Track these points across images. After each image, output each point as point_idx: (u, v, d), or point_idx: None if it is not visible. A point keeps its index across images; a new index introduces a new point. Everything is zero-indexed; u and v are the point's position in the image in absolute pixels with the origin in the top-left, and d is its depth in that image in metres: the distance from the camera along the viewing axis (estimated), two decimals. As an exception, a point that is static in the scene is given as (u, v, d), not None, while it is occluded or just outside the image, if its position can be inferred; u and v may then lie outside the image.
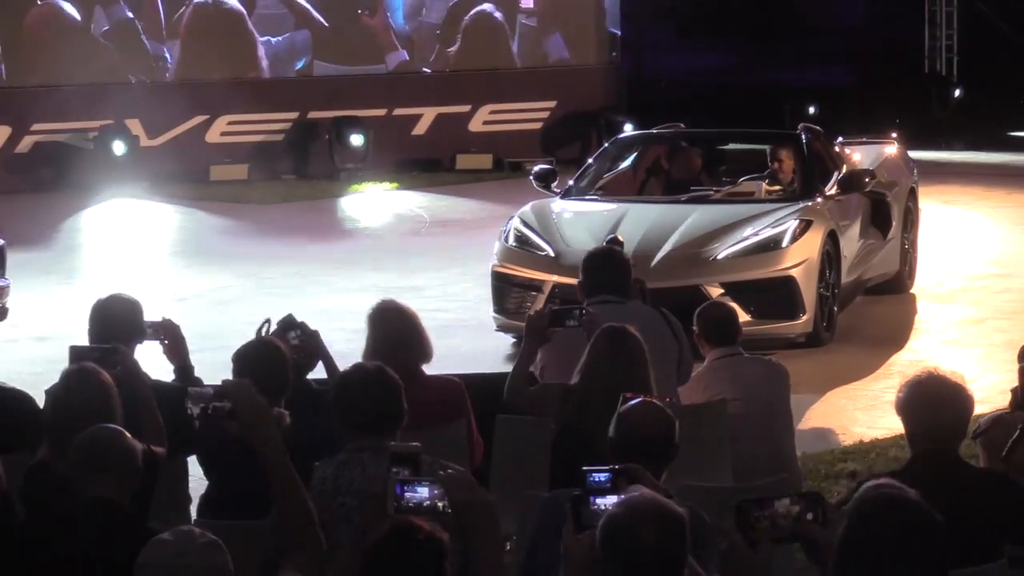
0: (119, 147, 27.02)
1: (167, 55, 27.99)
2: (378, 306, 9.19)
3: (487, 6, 29.31)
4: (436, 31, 29.32)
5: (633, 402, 7.05)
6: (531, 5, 29.52)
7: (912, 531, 4.41)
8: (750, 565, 4.68)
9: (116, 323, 8.94)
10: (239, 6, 28.07)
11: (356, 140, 27.88)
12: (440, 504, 5.33)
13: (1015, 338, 11.11)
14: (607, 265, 10.70)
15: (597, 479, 5.81)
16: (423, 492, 5.45)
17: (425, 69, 29.22)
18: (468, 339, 14.79)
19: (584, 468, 5.95)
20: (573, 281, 11.59)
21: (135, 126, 27.27)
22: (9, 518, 6.98)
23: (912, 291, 18.06)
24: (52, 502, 6.88)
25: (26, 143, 27.16)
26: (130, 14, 27.59)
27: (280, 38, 28.42)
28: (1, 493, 7.12)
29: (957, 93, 31.39)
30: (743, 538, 4.69)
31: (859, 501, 4.49)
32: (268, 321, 9.18)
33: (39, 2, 27.20)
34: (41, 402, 8.87)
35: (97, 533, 6.29)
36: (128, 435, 6.88)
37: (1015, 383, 8.41)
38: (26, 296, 15.94)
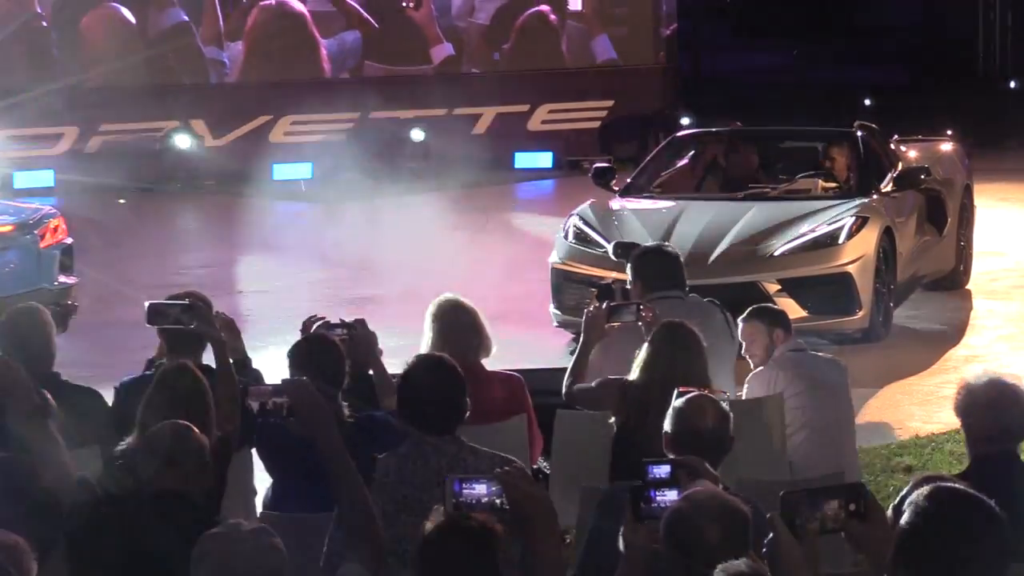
0: (184, 147, 27.17)
1: (224, 58, 28.05)
2: (439, 302, 9.23)
3: (541, 7, 29.33)
4: (485, 31, 29.31)
5: (688, 396, 7.07)
6: (579, 7, 29.52)
7: (974, 525, 4.41)
8: (797, 556, 4.69)
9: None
10: (302, 8, 28.15)
11: (417, 139, 27.97)
12: (498, 500, 5.35)
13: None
14: (662, 261, 10.72)
15: (657, 472, 5.84)
16: (480, 489, 5.47)
17: (474, 69, 29.18)
18: (527, 335, 14.81)
19: (644, 461, 5.99)
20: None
21: (200, 126, 27.40)
22: (86, 509, 7.05)
23: (967, 287, 17.99)
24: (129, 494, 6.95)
25: (94, 143, 27.27)
26: (185, 17, 27.69)
27: (331, 39, 28.47)
28: (73, 486, 7.21)
29: (1012, 84, 31.37)
30: (792, 530, 4.70)
31: (919, 496, 4.48)
32: (314, 317, 9.24)
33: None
34: (107, 397, 9.01)
35: (167, 524, 6.34)
36: (197, 430, 6.94)
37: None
38: (94, 292, 16.06)
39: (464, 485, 5.46)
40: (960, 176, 18.24)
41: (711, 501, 5.52)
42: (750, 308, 10.45)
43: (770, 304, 10.96)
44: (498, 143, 28.86)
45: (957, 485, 4.76)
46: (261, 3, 27.99)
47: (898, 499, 4.61)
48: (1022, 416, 7.08)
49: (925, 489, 4.54)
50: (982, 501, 4.47)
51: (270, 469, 8.55)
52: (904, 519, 4.46)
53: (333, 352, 8.52)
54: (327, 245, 23.27)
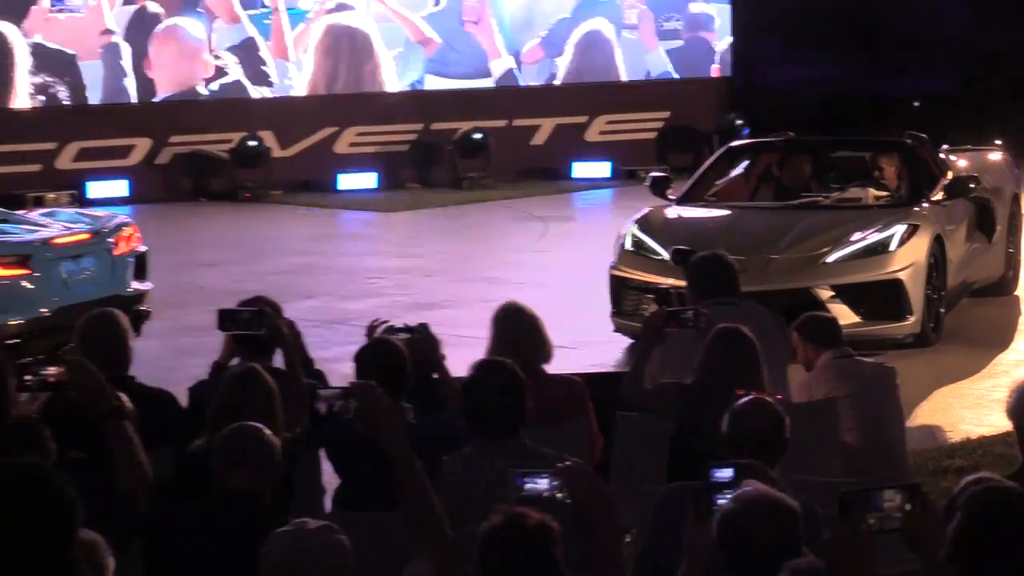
0: (252, 158, 27.27)
1: (293, 71, 28.13)
2: (502, 307, 9.24)
3: (598, 21, 29.36)
4: (544, 45, 29.34)
5: (745, 399, 7.08)
6: (638, 22, 29.54)
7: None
8: (856, 554, 4.68)
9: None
10: (367, 25, 28.22)
11: (479, 151, 28.02)
12: (559, 495, 5.36)
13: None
14: (718, 268, 10.72)
15: (720, 475, 5.86)
16: (543, 484, 5.49)
17: (532, 82, 29.21)
18: (587, 340, 14.82)
19: (708, 464, 6.00)
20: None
21: (268, 138, 27.49)
22: (161, 508, 7.10)
23: (1017, 293, 17.94)
24: (199, 493, 6.99)
25: (165, 154, 27.40)
26: (251, 37, 27.78)
27: (395, 53, 28.54)
28: (148, 485, 7.25)
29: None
30: (848, 531, 4.70)
31: (971, 496, 4.48)
32: (378, 321, 9.27)
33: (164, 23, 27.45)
34: (181, 398, 9.07)
35: (238, 523, 6.37)
36: (268, 430, 6.98)
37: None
38: (166, 298, 16.13)
39: (527, 480, 5.48)
40: (1009, 185, 18.17)
41: (760, 499, 5.56)
42: (800, 318, 10.48)
43: (816, 314, 10.90)
44: (556, 153, 28.92)
45: (1009, 484, 4.76)
46: (327, 18, 28.07)
47: (949, 500, 4.60)
48: None
49: (977, 489, 4.55)
50: None
51: (338, 469, 8.58)
52: (956, 519, 4.46)
53: (396, 355, 8.54)
54: (391, 252, 23.37)
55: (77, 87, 26.97)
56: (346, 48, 28.29)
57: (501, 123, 28.50)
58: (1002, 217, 17.45)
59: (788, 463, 6.84)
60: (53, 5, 26.74)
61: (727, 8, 30.77)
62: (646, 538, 7.06)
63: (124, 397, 7.73)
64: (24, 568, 4.09)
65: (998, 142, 18.91)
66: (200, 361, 9.18)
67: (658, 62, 29.84)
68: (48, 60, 26.78)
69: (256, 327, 8.77)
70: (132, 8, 27.16)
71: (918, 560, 4.89)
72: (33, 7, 26.59)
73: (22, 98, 26.70)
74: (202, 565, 6.48)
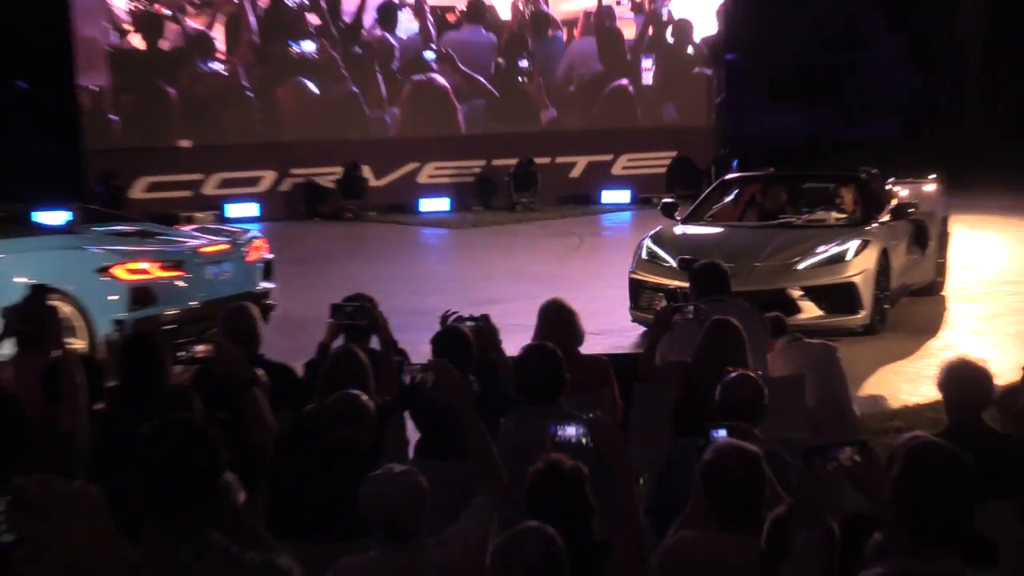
0: (353, 186, 27.34)
1: (386, 118, 28.19)
2: (545, 302, 9.26)
3: (622, 81, 29.36)
4: (580, 98, 29.35)
5: (733, 375, 7.11)
6: (652, 82, 29.54)
7: (951, 470, 4.43)
8: (817, 494, 4.72)
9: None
10: (445, 82, 28.28)
11: (529, 181, 28.07)
12: (584, 440, 5.40)
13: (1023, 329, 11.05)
14: (713, 273, 10.74)
15: (716, 434, 5.95)
16: (571, 430, 5.55)
17: (571, 128, 29.21)
18: (611, 328, 14.84)
19: (706, 425, 6.07)
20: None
21: (366, 170, 27.58)
22: (280, 456, 7.15)
23: (943, 294, 17.94)
24: (312, 444, 7.04)
25: (286, 183, 27.52)
26: (355, 89, 27.85)
27: (465, 104, 28.58)
28: (273, 438, 7.31)
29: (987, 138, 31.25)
30: (811, 477, 4.73)
31: (908, 448, 4.51)
32: (450, 311, 9.30)
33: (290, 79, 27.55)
34: (298, 371, 9.12)
35: (341, 468, 6.41)
36: (364, 396, 7.03)
37: (1025, 363, 8.41)
38: (287, 293, 16.19)
39: (559, 428, 5.55)
40: (940, 209, 18.17)
41: (730, 448, 5.66)
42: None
43: (770, 314, 10.90)
44: (589, 184, 28.94)
45: (938, 440, 4.79)
46: (414, 77, 28.12)
47: (891, 452, 4.61)
48: (987, 391, 7.11)
49: (913, 443, 4.57)
50: (957, 452, 4.49)
51: (419, 426, 8.61)
52: (896, 467, 4.47)
53: (464, 339, 8.59)
54: (459, 259, 23.41)
55: (219, 130, 27.06)
56: (426, 100, 28.33)
57: (546, 160, 28.57)
58: (934, 234, 17.45)
59: (767, 424, 6.84)
60: (199, 65, 26.84)
61: (722, 71, 30.70)
62: (656, 481, 7.08)
63: (257, 370, 7.81)
64: (184, 499, 4.15)
65: (932, 176, 18.87)
66: (313, 343, 9.22)
67: (668, 110, 29.80)
68: (196, 110, 26.89)
69: (359, 318, 8.86)
70: (262, 69, 27.23)
71: (865, 500, 4.91)
72: (186, 69, 26.71)
73: (177, 138, 26.83)
74: (313, 501, 6.54)
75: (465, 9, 28.49)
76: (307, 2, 27.53)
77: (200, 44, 26.94)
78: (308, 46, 27.59)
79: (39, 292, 9.41)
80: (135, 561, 2.54)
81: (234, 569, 4.25)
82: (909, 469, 4.43)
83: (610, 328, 14.73)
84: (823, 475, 4.72)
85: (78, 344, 13.69)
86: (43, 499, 2.33)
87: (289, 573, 4.42)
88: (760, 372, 8.19)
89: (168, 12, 26.66)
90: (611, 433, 5.37)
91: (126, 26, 26.52)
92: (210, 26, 27.02)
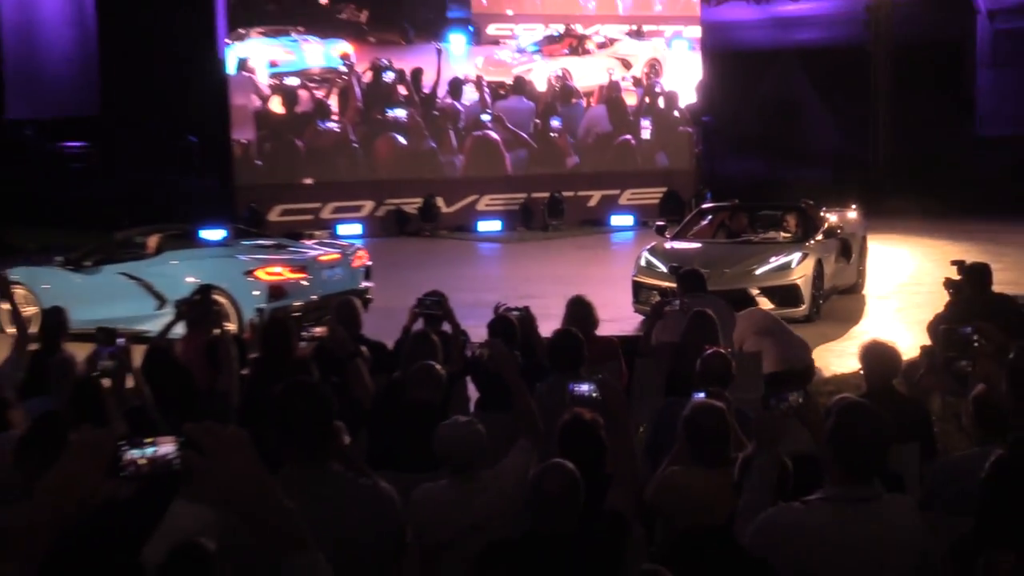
0: (430, 212, 27.38)
1: (455, 162, 28.21)
2: (571, 298, 9.23)
3: (627, 136, 29.32)
4: (595, 148, 29.31)
5: (710, 352, 7.05)
6: (649, 137, 29.48)
7: (870, 422, 4.40)
8: (771, 429, 4.70)
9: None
10: (497, 137, 28.29)
11: (558, 209, 28.05)
12: (595, 394, 5.37)
13: (923, 319, 10.92)
14: (695, 276, 10.70)
15: (697, 396, 5.92)
16: (584, 388, 5.52)
17: (588, 170, 29.13)
18: (618, 316, 14.79)
19: (692, 390, 6.05)
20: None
21: (439, 200, 27.60)
22: (375, 409, 7.13)
23: (863, 293, 17.83)
24: (399, 401, 7.02)
25: (381, 210, 27.56)
26: (432, 142, 27.89)
27: (511, 152, 28.58)
28: (371, 397, 7.29)
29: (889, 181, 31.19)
30: (767, 415, 4.72)
31: (839, 406, 4.49)
32: (500, 303, 9.27)
33: (385, 134, 27.60)
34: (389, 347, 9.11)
35: (420, 419, 6.39)
36: (438, 366, 7.00)
37: (925, 343, 8.37)
38: (382, 290, 16.21)
39: (575, 386, 5.52)
40: (860, 230, 18.04)
41: (700, 403, 5.70)
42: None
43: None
44: (602, 211, 28.90)
45: (860, 400, 4.77)
46: (474, 133, 28.15)
47: (826, 409, 4.57)
48: (896, 364, 7.09)
49: (842, 402, 4.55)
50: (875, 409, 4.46)
51: (477, 389, 8.59)
52: (830, 420, 4.44)
53: (511, 324, 8.57)
54: (507, 266, 23.38)
55: (333, 171, 27.14)
56: (483, 150, 28.34)
57: (571, 193, 28.54)
58: (856, 248, 17.32)
59: (733, 388, 6.78)
60: (319, 124, 26.92)
61: (700, 129, 30.65)
62: (651, 431, 7.04)
63: (359, 346, 7.79)
64: (308, 439, 4.16)
65: (854, 206, 18.79)
66: (400, 325, 9.19)
67: (660, 157, 29.74)
68: (316, 157, 26.98)
69: (436, 309, 8.83)
70: (364, 127, 27.31)
71: (809, 440, 4.90)
72: (310, 127, 26.79)
73: (303, 177, 26.91)
74: (401, 443, 6.51)
75: (511, 83, 28.47)
76: (397, 78, 27.52)
77: (320, 108, 27.00)
78: (398, 110, 27.61)
79: (206, 289, 9.43)
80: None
81: (350, 489, 4.27)
82: (840, 422, 4.41)
83: (617, 317, 14.69)
84: (776, 413, 4.71)
85: (231, 327, 13.72)
86: (207, 440, 2.34)
87: (390, 492, 4.43)
88: (729, 350, 8.14)
89: (297, 83, 26.71)
90: (614, 390, 5.37)
91: (267, 95, 26.60)
92: (327, 95, 27.06)
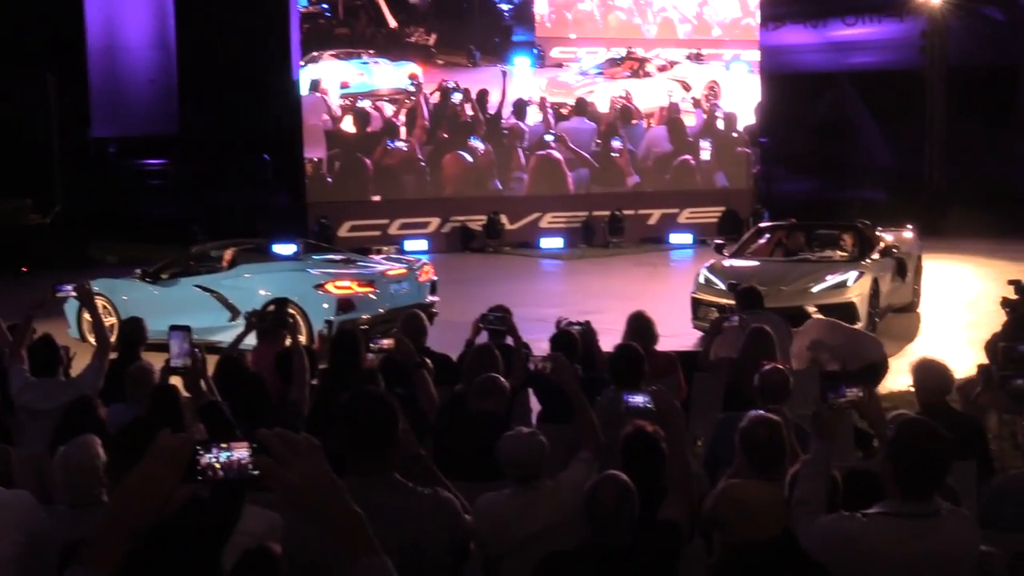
0: (494, 229, 27.39)
1: (518, 181, 28.21)
2: (632, 313, 9.20)
3: (687, 157, 29.20)
4: (656, 168, 29.20)
5: (768, 367, 6.98)
6: (708, 157, 29.34)
7: (932, 439, 4.32)
8: (828, 422, 4.63)
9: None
10: (560, 156, 28.27)
11: (618, 227, 27.97)
12: (649, 405, 5.32)
13: (979, 338, 10.77)
14: (752, 293, 10.61)
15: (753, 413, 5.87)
16: (639, 399, 5.46)
17: (650, 189, 29.01)
18: (677, 331, 14.69)
19: (751, 406, 6.01)
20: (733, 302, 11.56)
21: (503, 217, 27.61)
22: (439, 420, 7.10)
23: (918, 311, 17.62)
24: (463, 412, 6.99)
25: (447, 227, 27.62)
26: (497, 160, 27.87)
27: (573, 172, 28.56)
28: (436, 407, 7.26)
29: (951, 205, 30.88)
30: (825, 407, 4.67)
31: (900, 421, 4.42)
32: (561, 318, 9.24)
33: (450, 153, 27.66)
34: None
35: (483, 430, 6.35)
36: (502, 378, 6.96)
37: (982, 362, 8.25)
38: (447, 305, 16.21)
39: (630, 397, 5.46)
40: (915, 250, 17.86)
41: (758, 416, 5.58)
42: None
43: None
44: (662, 229, 28.78)
45: (917, 416, 4.70)
46: (538, 153, 28.16)
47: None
48: (948, 382, 7.01)
49: (903, 420, 4.48)
50: (936, 426, 4.38)
51: (539, 401, 8.55)
52: (889, 436, 4.36)
53: (573, 338, 8.53)
54: (569, 282, 23.33)
55: (400, 189, 27.26)
56: (546, 169, 28.33)
57: (631, 212, 28.47)
58: (911, 268, 17.18)
59: (791, 403, 6.71)
60: (388, 143, 27.04)
61: (758, 150, 30.46)
62: (709, 445, 6.97)
63: (424, 359, 7.78)
64: (372, 447, 4.15)
65: (909, 226, 18.61)
66: (463, 340, 9.17)
67: (719, 177, 29.58)
68: (385, 174, 27.10)
69: (500, 324, 8.79)
70: (431, 146, 27.40)
71: (868, 424, 4.85)
72: (379, 145, 26.93)
73: (371, 194, 27.04)
74: (465, 453, 6.48)
75: (574, 105, 28.46)
76: (463, 98, 27.60)
77: (389, 128, 27.13)
78: (464, 130, 27.69)
79: (282, 302, 9.47)
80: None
81: (410, 498, 4.24)
82: (900, 438, 4.32)
83: (676, 333, 14.57)
84: (834, 407, 4.66)
85: (301, 338, 13.77)
86: (279, 445, 2.38)
87: (450, 500, 4.40)
88: (787, 365, 8.06)
89: (368, 103, 26.87)
90: (668, 401, 5.29)
91: (338, 115, 26.78)
92: (396, 115, 27.19)
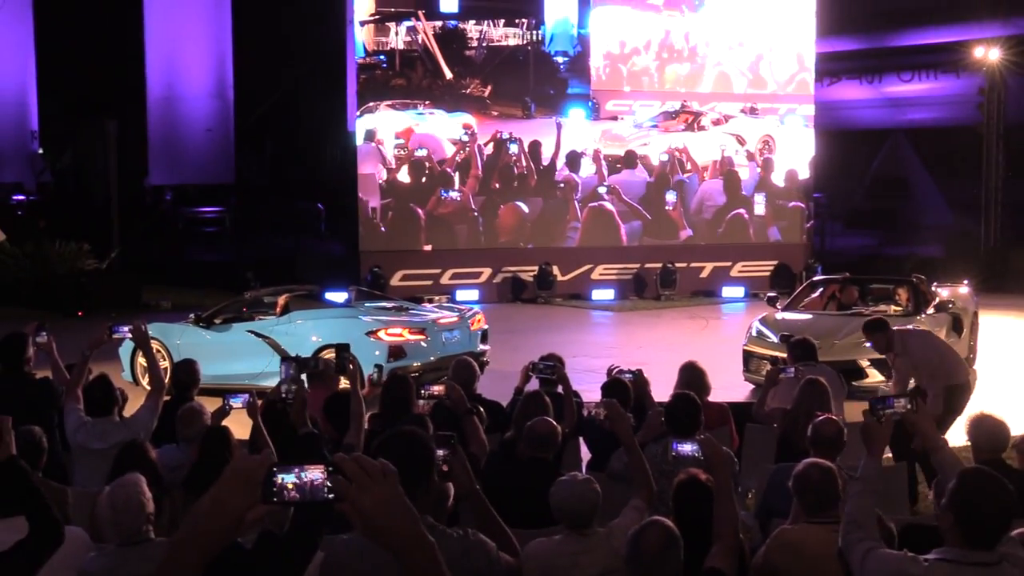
0: (545, 280, 27.39)
1: (571, 232, 28.23)
2: (684, 363, 9.15)
3: (741, 211, 29.11)
4: (710, 222, 29.12)
5: (821, 418, 6.92)
6: (762, 212, 29.24)
7: (996, 489, 4.26)
8: (876, 434, 4.61)
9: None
10: (611, 207, 28.28)
11: (670, 279, 27.88)
12: (697, 454, 5.29)
13: (1035, 394, 10.68)
14: (807, 346, 10.54)
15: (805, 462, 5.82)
16: (687, 447, 5.42)
17: (702, 242, 28.94)
18: (728, 384, 14.59)
19: (803, 457, 5.96)
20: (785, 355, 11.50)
21: (555, 269, 27.61)
22: (489, 466, 7.07)
23: (974, 368, 17.38)
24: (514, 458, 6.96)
25: (498, 277, 27.65)
26: (550, 211, 27.94)
27: (626, 224, 28.50)
28: (486, 453, 7.24)
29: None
30: (873, 419, 4.65)
31: (964, 472, 4.37)
32: (613, 366, 9.21)
33: (503, 205, 27.73)
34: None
35: (534, 476, 6.33)
36: (555, 424, 6.94)
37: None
38: (498, 354, 16.21)
39: (678, 444, 5.43)
40: (971, 306, 17.68)
41: (812, 460, 5.62)
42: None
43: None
44: (714, 282, 28.68)
45: (984, 468, 4.65)
46: (590, 204, 28.17)
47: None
48: (1005, 438, 6.92)
49: (965, 471, 4.43)
50: (1000, 478, 4.33)
51: (590, 448, 8.52)
52: (952, 485, 4.32)
53: (625, 386, 8.48)
54: (620, 333, 23.27)
55: (453, 238, 27.36)
56: (599, 220, 28.34)
57: (683, 264, 28.36)
58: (967, 323, 16.97)
59: (845, 455, 6.64)
60: (441, 192, 27.18)
61: (812, 204, 30.34)
62: (761, 496, 6.90)
63: (476, 405, 7.77)
64: (405, 482, 4.14)
65: (965, 282, 18.44)
66: (512, 387, 9.15)
67: (772, 232, 29.47)
68: (437, 224, 27.22)
69: (550, 372, 8.77)
70: (483, 196, 27.51)
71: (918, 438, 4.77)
72: (430, 195, 27.07)
73: (424, 244, 27.17)
74: (515, 499, 6.44)
75: (627, 157, 28.49)
76: (518, 149, 27.72)
77: (442, 178, 27.27)
78: (518, 181, 27.78)
79: (343, 348, 9.47)
80: None
81: (440, 541, 4.20)
82: (963, 487, 4.26)
83: (727, 385, 14.46)
84: (882, 418, 4.64)
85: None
86: (354, 469, 2.44)
87: (483, 543, 4.36)
88: (841, 416, 7.98)
89: (423, 153, 27.06)
90: (717, 450, 5.25)
91: (392, 165, 26.97)
92: (451, 166, 27.34)
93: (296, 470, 2.44)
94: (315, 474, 2.43)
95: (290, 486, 2.43)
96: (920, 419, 4.72)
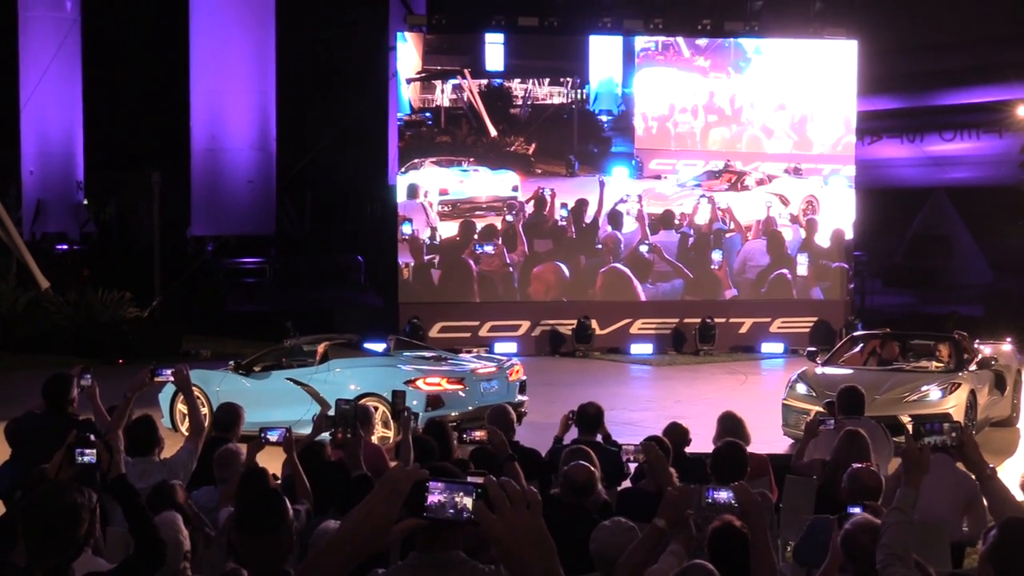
0: (584, 333, 27.36)
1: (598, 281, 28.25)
2: (723, 413, 9.13)
3: (783, 270, 29.00)
4: (753, 282, 29.03)
5: (859, 467, 6.90)
6: (805, 272, 29.10)
7: None
8: (917, 460, 4.59)
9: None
10: (628, 271, 28.19)
11: (709, 335, 27.77)
12: (733, 502, 5.26)
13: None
14: (854, 395, 10.54)
15: (851, 510, 5.79)
16: (723, 495, 5.39)
17: (745, 299, 28.84)
18: (767, 437, 14.51)
19: (846, 510, 5.92)
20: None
21: (594, 323, 27.57)
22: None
23: (1017, 427, 17.25)
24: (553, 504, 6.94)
25: (537, 330, 27.65)
26: (566, 272, 27.95)
27: (667, 285, 28.47)
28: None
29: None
30: (916, 444, 4.64)
31: (1002, 524, 4.31)
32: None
33: (539, 266, 27.76)
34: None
35: (574, 522, 6.30)
36: (591, 467, 6.91)
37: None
38: (536, 405, 16.18)
39: (714, 492, 5.40)
40: (1014, 364, 17.57)
41: (863, 521, 5.47)
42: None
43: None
44: (754, 337, 28.55)
45: (1019, 518, 4.57)
46: (600, 271, 28.06)
47: (987, 528, 4.39)
48: None
49: (1006, 521, 4.37)
50: None
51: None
52: (992, 536, 4.26)
53: (661, 440, 8.46)
54: (658, 387, 23.18)
55: (492, 291, 27.43)
56: (617, 284, 28.27)
57: (722, 320, 28.24)
58: (1010, 381, 16.89)
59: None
60: (476, 248, 27.27)
61: (853, 263, 30.22)
62: (799, 548, 6.86)
63: (513, 453, 7.77)
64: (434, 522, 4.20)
65: (1008, 339, 18.32)
66: (550, 437, 9.15)
67: (815, 291, 29.34)
68: (478, 279, 27.29)
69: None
70: (525, 251, 27.58)
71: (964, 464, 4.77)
72: (471, 250, 27.17)
73: (462, 297, 27.20)
74: (556, 544, 6.42)
75: (670, 215, 28.48)
76: (560, 207, 27.82)
77: (484, 233, 27.35)
78: (559, 238, 27.84)
79: (399, 394, 9.39)
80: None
81: (471, 573, 4.22)
82: (1004, 539, 4.19)
83: (766, 439, 14.36)
84: (924, 445, 4.63)
85: (389, 433, 13.86)
86: (498, 495, 2.50)
87: None
88: (878, 466, 7.96)
89: (465, 209, 27.18)
90: (751, 497, 5.22)
91: (434, 221, 27.09)
92: (493, 222, 27.40)
93: (449, 489, 2.51)
94: (465, 497, 2.50)
95: (438, 504, 2.51)
96: (969, 450, 4.70)
